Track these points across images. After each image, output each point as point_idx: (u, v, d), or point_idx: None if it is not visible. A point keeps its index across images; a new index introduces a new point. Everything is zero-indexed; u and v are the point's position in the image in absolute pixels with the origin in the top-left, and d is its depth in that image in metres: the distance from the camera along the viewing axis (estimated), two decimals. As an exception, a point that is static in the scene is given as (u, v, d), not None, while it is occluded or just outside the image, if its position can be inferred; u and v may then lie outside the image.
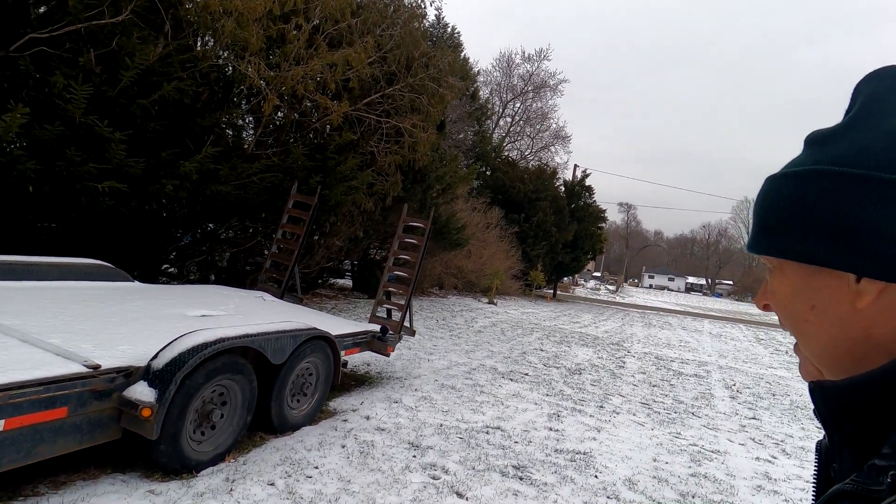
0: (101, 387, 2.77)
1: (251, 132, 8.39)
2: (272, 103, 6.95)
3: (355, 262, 14.16)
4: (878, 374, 0.51)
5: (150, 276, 7.25)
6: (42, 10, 5.64)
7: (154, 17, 6.26)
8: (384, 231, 12.19)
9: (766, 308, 0.66)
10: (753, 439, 5.79)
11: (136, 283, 5.24)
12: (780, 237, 0.58)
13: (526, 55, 37.08)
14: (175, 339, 3.16)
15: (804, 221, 0.55)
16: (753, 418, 6.79)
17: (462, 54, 24.56)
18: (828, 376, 0.58)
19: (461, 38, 26.31)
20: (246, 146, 7.95)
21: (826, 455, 0.63)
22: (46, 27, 5.26)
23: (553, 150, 35.13)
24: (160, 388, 2.90)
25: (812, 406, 0.61)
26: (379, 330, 5.50)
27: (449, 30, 26.07)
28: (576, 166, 31.66)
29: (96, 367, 2.76)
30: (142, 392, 2.88)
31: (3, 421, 2.36)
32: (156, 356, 3.05)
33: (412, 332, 6.20)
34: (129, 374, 2.93)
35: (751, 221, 0.65)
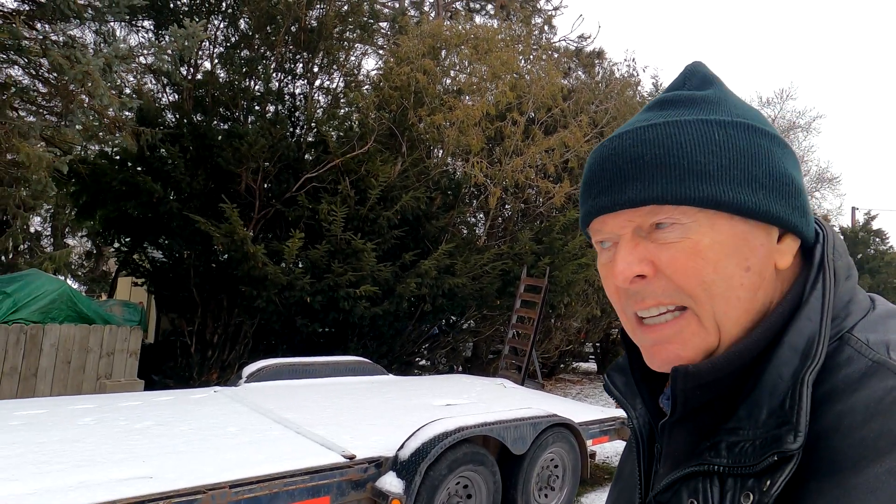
0: (357, 476, 2.93)
1: (482, 226, 8.93)
2: (496, 196, 7.32)
3: (597, 344, 13.54)
4: (751, 345, 0.49)
5: (404, 368, 7.89)
6: (312, 156, 7.02)
7: (392, 141, 7.28)
8: (624, 308, 11.50)
9: (637, 281, 0.51)
10: None
11: (391, 377, 5.70)
12: (721, 186, 0.49)
13: (764, 99, 33.42)
14: (419, 429, 3.24)
15: (748, 170, 0.50)
16: None
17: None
18: (725, 344, 0.51)
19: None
20: (478, 239, 8.44)
21: (645, 436, 0.60)
22: (315, 168, 6.49)
23: (819, 195, 30.02)
24: (407, 479, 2.95)
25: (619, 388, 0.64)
26: (628, 416, 4.96)
27: (669, 93, 25.08)
28: (854, 209, 26.46)
29: (352, 458, 2.94)
30: (391, 483, 2.96)
31: (283, 507, 2.62)
32: (402, 446, 3.15)
33: (668, 418, 5.46)
34: (379, 465, 3.06)
35: (630, 166, 0.51)
